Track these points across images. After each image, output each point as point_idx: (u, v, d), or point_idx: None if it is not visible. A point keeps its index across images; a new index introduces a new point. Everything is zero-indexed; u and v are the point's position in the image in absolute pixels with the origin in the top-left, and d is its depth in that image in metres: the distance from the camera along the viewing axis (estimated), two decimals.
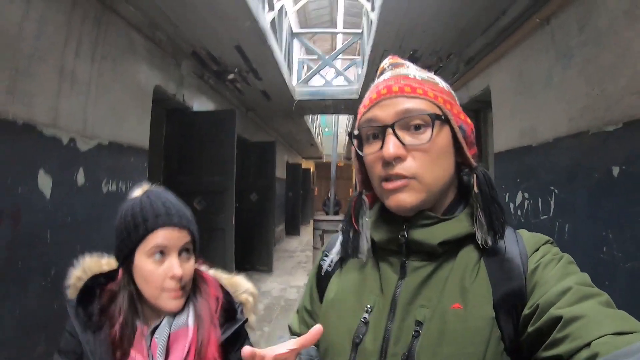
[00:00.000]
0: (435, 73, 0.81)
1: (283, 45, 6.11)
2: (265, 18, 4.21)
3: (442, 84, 0.78)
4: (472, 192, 0.74)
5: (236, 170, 4.87)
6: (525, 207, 2.94)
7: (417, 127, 0.71)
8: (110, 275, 1.09)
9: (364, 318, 0.74)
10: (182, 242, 1.01)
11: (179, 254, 1.01)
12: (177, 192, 1.12)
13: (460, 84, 4.44)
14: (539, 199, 2.73)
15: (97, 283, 1.06)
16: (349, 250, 0.82)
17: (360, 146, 0.79)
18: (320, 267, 0.92)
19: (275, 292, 6.70)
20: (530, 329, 0.62)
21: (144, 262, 0.99)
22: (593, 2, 2.22)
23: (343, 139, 17.03)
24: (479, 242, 0.70)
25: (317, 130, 15.21)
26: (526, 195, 2.94)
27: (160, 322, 1.03)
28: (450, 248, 0.73)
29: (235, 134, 4.70)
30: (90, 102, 2.80)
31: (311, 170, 20.51)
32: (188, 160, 4.67)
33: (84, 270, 1.10)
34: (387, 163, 0.71)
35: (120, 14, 3.15)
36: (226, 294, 1.12)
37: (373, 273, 0.79)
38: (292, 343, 0.66)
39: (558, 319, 0.57)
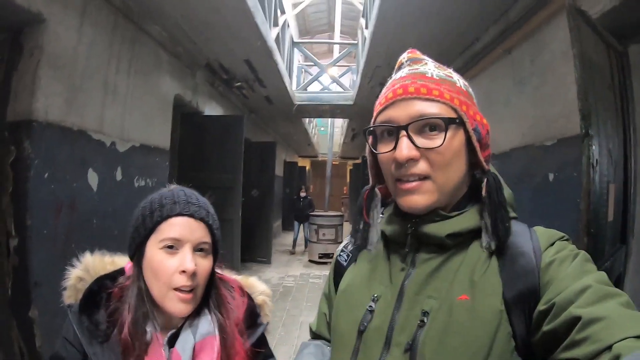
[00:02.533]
0: None
1: (285, 54, 6.57)
2: (272, 36, 4.68)
3: (460, 82, 0.75)
4: (483, 197, 0.72)
5: None
6: None
7: (432, 129, 0.69)
8: (116, 277, 0.94)
9: (370, 307, 0.74)
10: (199, 237, 0.88)
11: (195, 250, 0.88)
12: (189, 187, 0.99)
13: None
14: None
15: (103, 286, 0.91)
16: (359, 241, 0.82)
17: (375, 143, 0.77)
18: (337, 262, 0.91)
19: (274, 280, 7.17)
20: (545, 327, 0.59)
21: (155, 252, 0.86)
22: (542, 41, 2.71)
23: (339, 138, 17.38)
24: (483, 245, 0.69)
25: (313, 129, 15.50)
26: None
27: (178, 330, 0.90)
28: (461, 241, 0.72)
29: (242, 137, 5.17)
30: (126, 111, 3.28)
31: (307, 168, 20.85)
32: (200, 159, 5.13)
33: (87, 270, 0.95)
34: (400, 164, 0.69)
35: (149, 34, 3.62)
36: (249, 297, 1.03)
37: (383, 264, 0.78)
38: None
39: (577, 319, 0.54)
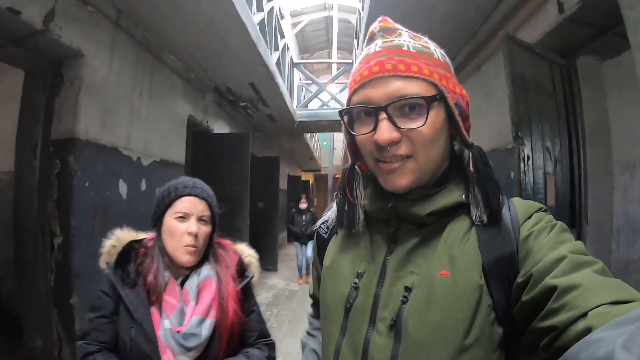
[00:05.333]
0: None
1: (285, 75, 7.03)
2: (273, 61, 5.14)
3: (437, 53, 0.71)
4: (467, 169, 0.71)
5: None
6: None
7: (412, 108, 0.66)
8: (141, 242, 1.28)
9: (355, 283, 0.73)
10: (201, 210, 1.22)
11: (198, 220, 1.21)
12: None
13: None
14: None
15: (132, 247, 1.25)
16: (345, 223, 0.79)
17: (351, 122, 0.74)
18: (318, 234, 0.92)
19: (280, 285, 7.52)
20: (524, 298, 0.59)
21: (171, 221, 1.19)
22: (502, 58, 3.13)
23: (340, 152, 17.75)
24: (474, 220, 0.68)
25: (315, 144, 15.73)
26: None
27: (187, 275, 1.22)
28: (441, 217, 0.71)
29: (249, 153, 5.59)
30: (148, 130, 3.72)
31: (310, 182, 21.14)
32: (210, 173, 5.52)
33: (118, 239, 1.29)
34: (381, 147, 0.66)
35: (165, 63, 4.08)
36: (239, 256, 1.36)
37: (365, 241, 0.77)
38: None
39: (553, 288, 0.54)
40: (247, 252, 1.43)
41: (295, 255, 7.97)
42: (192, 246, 1.18)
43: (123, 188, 3.28)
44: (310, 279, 1.03)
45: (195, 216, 1.20)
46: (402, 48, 0.68)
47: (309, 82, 9.57)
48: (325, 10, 14.29)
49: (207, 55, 4.22)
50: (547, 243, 0.62)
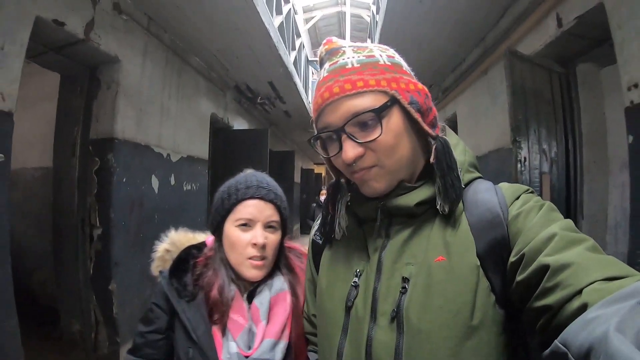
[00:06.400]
0: None
1: (301, 72, 7.25)
2: (291, 60, 5.36)
3: (383, 58, 0.71)
4: (433, 163, 0.71)
5: None
6: None
7: (365, 124, 0.68)
8: (201, 248, 1.09)
9: (354, 282, 0.74)
10: (268, 215, 1.01)
11: (265, 227, 1.01)
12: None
13: (440, 108, 5.53)
14: None
15: (190, 255, 1.06)
16: (326, 233, 0.84)
17: (324, 145, 0.77)
18: (313, 242, 0.92)
19: None
20: (518, 278, 0.59)
21: (232, 229, 1.00)
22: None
23: None
24: (439, 209, 0.69)
25: None
26: None
27: (255, 288, 1.03)
28: (430, 207, 0.72)
29: (267, 148, 5.83)
30: (177, 129, 3.99)
31: (323, 175, 21.31)
32: (230, 167, 5.76)
33: (173, 243, 1.11)
34: (349, 164, 0.69)
35: (191, 65, 4.33)
36: None
37: (360, 243, 0.78)
38: None
39: (546, 267, 0.54)
40: None
41: None
42: (260, 258, 0.99)
43: (155, 183, 3.55)
44: (306, 299, 0.99)
45: (261, 223, 1.01)
46: (346, 67, 0.69)
47: None
48: (337, 6, 14.36)
49: (229, 56, 4.47)
50: (537, 222, 0.62)
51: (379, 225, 0.76)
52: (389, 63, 0.71)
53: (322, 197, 7.22)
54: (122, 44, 3.13)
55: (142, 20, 3.38)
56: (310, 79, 9.26)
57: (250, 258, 0.99)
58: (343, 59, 0.71)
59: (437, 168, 0.70)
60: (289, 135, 10.66)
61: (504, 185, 0.72)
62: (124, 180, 3.13)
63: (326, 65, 0.73)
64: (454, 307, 0.62)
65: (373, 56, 0.71)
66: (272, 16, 4.44)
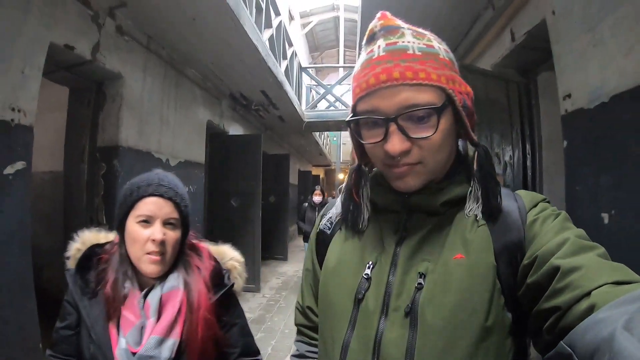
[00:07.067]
0: None
1: (294, 80, 7.57)
2: (282, 71, 5.69)
3: (442, 52, 0.67)
4: (471, 166, 0.71)
5: None
6: None
7: (420, 119, 0.64)
8: (106, 247, 1.10)
9: (366, 274, 0.71)
10: (167, 213, 1.03)
11: (164, 224, 1.02)
12: (218, 193, 1.43)
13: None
14: None
15: (94, 253, 1.08)
16: (349, 222, 0.79)
17: (358, 128, 0.72)
18: (321, 231, 0.88)
19: (289, 272, 8.13)
20: (529, 280, 0.59)
21: (133, 225, 1.01)
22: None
23: (349, 148, 18.01)
24: (466, 213, 0.69)
25: (324, 140, 16.12)
26: None
27: (152, 286, 1.04)
28: (451, 207, 0.71)
29: (261, 152, 6.17)
30: (175, 136, 4.31)
31: (321, 177, 21.46)
32: (226, 170, 6.12)
33: (83, 242, 1.12)
34: (392, 156, 0.65)
35: (187, 76, 4.66)
36: (216, 261, 1.16)
37: (374, 233, 0.76)
38: None
39: (557, 269, 0.55)
40: (230, 255, 1.23)
41: (305, 250, 7.18)
42: (157, 254, 1.01)
43: None
44: (301, 291, 0.93)
45: (160, 220, 1.02)
46: (408, 52, 0.64)
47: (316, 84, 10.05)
48: (333, 11, 14.69)
49: (223, 68, 4.79)
50: (552, 228, 0.62)
51: (397, 218, 0.74)
52: (447, 58, 0.68)
53: (316, 198, 6.67)
54: (125, 62, 3.46)
55: (142, 39, 3.70)
56: (304, 85, 9.54)
57: (148, 254, 1.00)
58: (403, 42, 0.66)
59: (479, 175, 0.69)
60: (285, 139, 10.97)
61: (522, 192, 0.72)
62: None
63: (381, 42, 0.67)
64: (469, 306, 0.61)
65: (432, 47, 0.67)
66: (260, 31, 4.79)
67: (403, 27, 0.68)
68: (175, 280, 1.05)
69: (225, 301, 1.12)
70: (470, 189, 0.70)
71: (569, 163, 2.33)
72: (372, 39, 0.70)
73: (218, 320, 1.09)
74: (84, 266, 1.06)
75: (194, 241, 1.18)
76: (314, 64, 16.23)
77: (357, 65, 0.70)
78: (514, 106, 3.03)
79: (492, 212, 0.68)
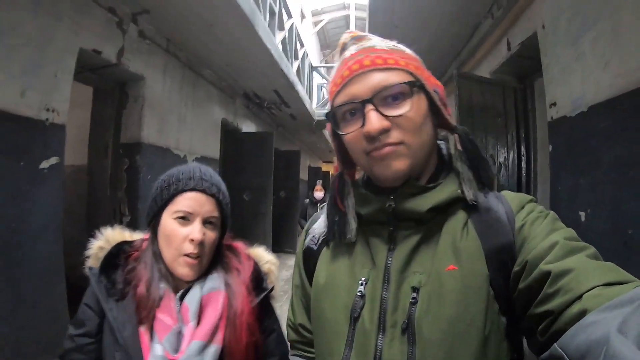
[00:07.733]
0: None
1: (305, 79, 7.78)
2: (293, 71, 5.90)
3: (408, 50, 0.72)
4: (454, 152, 0.71)
5: None
6: None
7: (395, 98, 0.65)
8: (134, 245, 1.00)
9: (360, 292, 0.69)
10: (209, 211, 0.94)
11: (204, 223, 0.93)
12: (231, 188, 1.13)
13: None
14: None
15: (121, 251, 0.98)
16: (337, 234, 0.75)
17: (336, 126, 0.71)
18: (307, 248, 0.84)
19: None
20: (520, 285, 0.59)
21: (168, 222, 0.92)
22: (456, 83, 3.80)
23: None
24: (468, 198, 0.66)
25: None
26: None
27: (189, 287, 0.94)
28: (438, 214, 0.68)
29: (272, 149, 6.40)
30: (192, 133, 4.56)
31: (331, 173, 21.50)
32: (239, 166, 6.36)
33: (107, 240, 1.01)
34: (373, 138, 0.65)
35: (203, 76, 4.90)
36: (255, 263, 1.06)
37: (362, 247, 0.73)
38: None
39: (547, 273, 0.55)
40: (266, 258, 1.14)
41: None
42: (195, 256, 0.92)
43: None
44: (292, 307, 0.89)
45: (200, 218, 0.93)
46: (376, 47, 0.69)
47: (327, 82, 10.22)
48: (344, 9, 14.78)
49: (237, 69, 5.02)
50: (541, 231, 0.61)
51: (384, 229, 0.72)
52: (414, 56, 0.72)
53: (317, 193, 6.49)
54: (147, 64, 3.70)
55: (162, 42, 3.94)
56: (315, 84, 9.72)
57: (185, 255, 0.91)
58: (371, 42, 0.70)
59: (466, 156, 0.70)
60: (296, 136, 11.19)
61: (508, 194, 0.70)
62: (149, 177, 3.70)
63: (352, 47, 0.72)
64: (467, 318, 0.60)
65: (399, 46, 0.72)
66: (274, 34, 5.00)
67: (370, 35, 0.74)
68: (215, 281, 0.97)
69: (264, 305, 1.03)
70: (460, 176, 0.69)
71: (554, 166, 2.48)
72: (344, 49, 0.74)
73: (258, 325, 1.00)
74: (111, 265, 0.95)
75: (229, 241, 1.09)
76: (325, 61, 16.35)
77: (333, 72, 0.73)
78: (510, 111, 3.20)
79: (489, 185, 0.70)
